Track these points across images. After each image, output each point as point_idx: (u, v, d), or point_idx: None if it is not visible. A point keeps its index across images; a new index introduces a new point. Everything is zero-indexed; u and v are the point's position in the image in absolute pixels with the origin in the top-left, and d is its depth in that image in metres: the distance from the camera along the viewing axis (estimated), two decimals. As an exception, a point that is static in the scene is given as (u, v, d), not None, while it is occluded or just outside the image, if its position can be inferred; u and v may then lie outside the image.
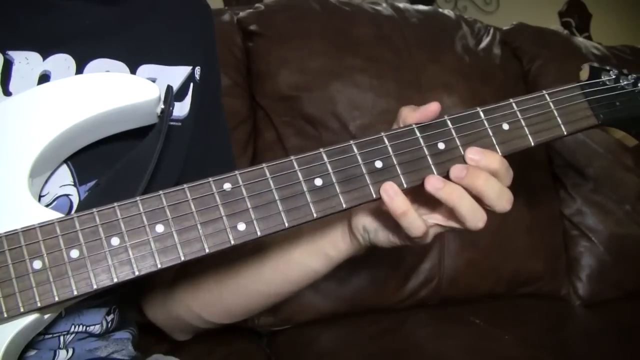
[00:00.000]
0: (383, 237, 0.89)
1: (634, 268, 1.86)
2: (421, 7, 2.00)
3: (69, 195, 0.83)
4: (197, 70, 0.99)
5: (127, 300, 1.08)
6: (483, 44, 1.92)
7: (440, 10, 2.04)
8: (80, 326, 0.89)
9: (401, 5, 1.94)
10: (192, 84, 0.98)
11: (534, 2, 4.53)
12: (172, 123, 0.95)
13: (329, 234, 0.94)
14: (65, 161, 0.82)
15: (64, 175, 0.83)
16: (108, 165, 0.83)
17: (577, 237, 1.87)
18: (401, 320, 1.61)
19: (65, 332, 0.87)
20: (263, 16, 1.73)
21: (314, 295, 1.58)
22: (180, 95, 0.96)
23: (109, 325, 0.95)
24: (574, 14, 4.79)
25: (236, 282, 1.01)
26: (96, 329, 0.91)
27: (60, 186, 0.83)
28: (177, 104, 0.96)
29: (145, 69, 0.91)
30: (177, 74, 0.96)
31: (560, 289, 1.85)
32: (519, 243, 1.77)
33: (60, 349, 0.87)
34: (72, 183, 0.83)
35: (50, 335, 0.85)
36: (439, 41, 1.85)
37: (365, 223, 0.89)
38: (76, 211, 0.81)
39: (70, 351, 0.88)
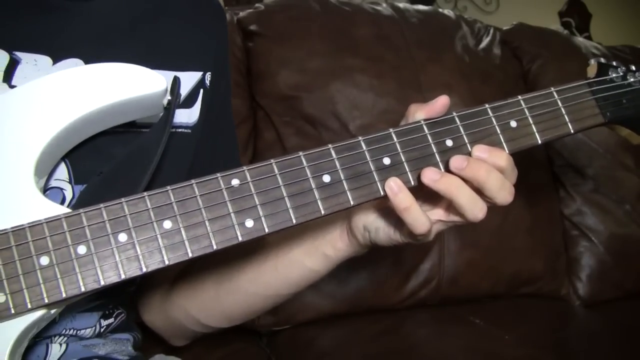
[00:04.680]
0: (384, 235, 0.87)
1: (634, 268, 1.87)
2: (421, 7, 2.00)
3: (63, 189, 0.82)
4: (208, 75, 0.99)
5: (133, 306, 1.07)
6: (483, 44, 1.93)
7: (440, 10, 2.04)
8: (72, 330, 0.88)
9: (401, 5, 1.94)
10: (202, 90, 0.98)
11: (534, 2, 4.55)
12: (181, 130, 0.95)
13: (327, 234, 0.93)
14: (62, 157, 0.81)
15: (61, 170, 0.82)
16: (106, 164, 0.82)
17: (577, 237, 1.88)
18: (401, 320, 1.61)
19: (56, 335, 0.86)
20: (263, 16, 1.73)
21: (314, 295, 1.58)
22: (189, 101, 0.96)
23: (103, 329, 0.93)
24: (574, 14, 4.81)
25: (235, 285, 1.00)
26: (87, 332, 0.90)
27: (55, 179, 0.82)
28: (186, 111, 0.96)
29: None
30: (187, 80, 0.95)
31: (560, 289, 1.86)
32: (519, 243, 1.77)
33: (52, 343, 0.86)
34: (68, 180, 0.83)
35: (42, 339, 0.84)
36: (439, 41, 1.86)
37: (366, 222, 0.88)
38: (76, 203, 0.81)
39: (64, 346, 0.87)
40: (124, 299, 1.00)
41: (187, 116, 0.96)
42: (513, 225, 1.75)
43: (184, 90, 0.95)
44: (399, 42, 1.78)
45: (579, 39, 2.16)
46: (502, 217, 1.73)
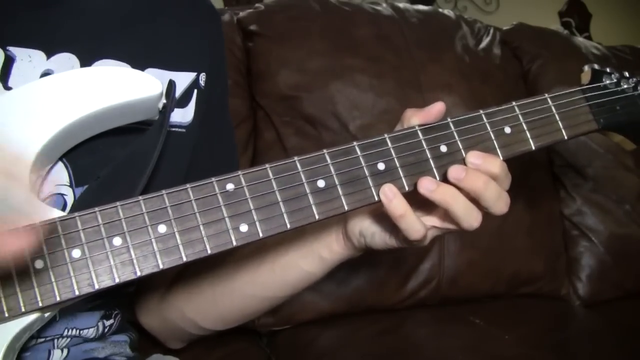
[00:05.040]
0: (380, 240, 0.88)
1: (634, 268, 1.87)
2: (421, 7, 2.00)
3: (64, 195, 0.83)
4: (202, 76, 0.99)
5: (128, 306, 1.07)
6: (483, 44, 1.92)
7: (440, 10, 2.03)
8: (74, 330, 0.88)
9: (401, 5, 1.94)
10: (196, 91, 0.98)
11: (534, 2, 4.55)
12: (175, 129, 0.95)
13: (323, 237, 0.93)
14: (61, 159, 0.81)
15: (61, 174, 0.82)
16: (105, 165, 0.82)
17: (577, 237, 1.88)
18: (401, 320, 1.61)
19: (58, 336, 0.86)
20: (263, 16, 1.73)
21: (314, 295, 1.58)
22: (183, 101, 0.96)
23: (106, 330, 0.94)
24: (574, 14, 4.80)
25: (231, 287, 1.00)
26: (90, 332, 0.91)
27: (56, 185, 0.82)
28: (180, 110, 0.96)
29: (150, 73, 0.90)
30: (181, 80, 0.96)
31: (560, 289, 1.85)
32: (519, 243, 1.77)
33: (55, 348, 0.86)
34: (68, 184, 0.83)
35: (43, 339, 0.85)
36: (439, 41, 1.85)
37: (362, 227, 0.88)
38: (73, 207, 0.81)
39: (65, 351, 0.88)
40: (122, 299, 1.00)
41: (181, 116, 0.96)
42: (513, 226, 1.75)
43: (178, 90, 0.95)
44: (399, 42, 1.78)
45: (579, 39, 2.15)
46: (502, 218, 1.69)
